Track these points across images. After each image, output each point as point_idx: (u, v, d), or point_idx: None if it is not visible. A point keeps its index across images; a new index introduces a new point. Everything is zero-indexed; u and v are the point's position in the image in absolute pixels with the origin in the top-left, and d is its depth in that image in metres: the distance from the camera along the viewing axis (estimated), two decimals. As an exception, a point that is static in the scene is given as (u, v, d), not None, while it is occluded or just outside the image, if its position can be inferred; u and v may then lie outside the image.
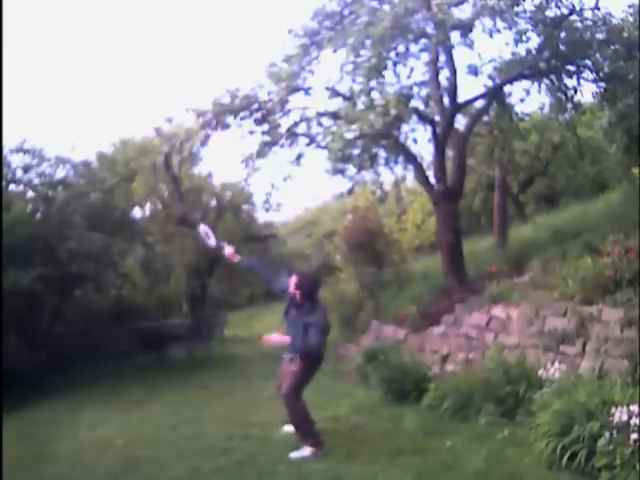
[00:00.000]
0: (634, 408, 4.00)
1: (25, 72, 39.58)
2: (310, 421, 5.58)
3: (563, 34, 10.01)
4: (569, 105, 11.50)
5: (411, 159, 11.25)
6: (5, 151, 11.72)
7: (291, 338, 5.58)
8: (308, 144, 11.05)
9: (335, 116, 10.33)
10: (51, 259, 10.91)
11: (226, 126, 11.08)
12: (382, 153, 11.04)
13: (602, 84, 10.72)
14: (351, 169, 10.26)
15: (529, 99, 11.81)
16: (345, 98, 10.36)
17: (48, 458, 5.89)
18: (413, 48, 9.97)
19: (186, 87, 41.50)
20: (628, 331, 5.80)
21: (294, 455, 5.29)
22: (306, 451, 5.33)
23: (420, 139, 17.05)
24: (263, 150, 10.88)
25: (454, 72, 10.69)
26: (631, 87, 9.73)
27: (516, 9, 9.49)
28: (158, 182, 17.83)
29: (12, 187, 12.33)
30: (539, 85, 11.20)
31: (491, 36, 9.63)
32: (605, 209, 11.04)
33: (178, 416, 7.33)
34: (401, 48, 9.67)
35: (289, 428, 5.82)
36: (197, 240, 7.44)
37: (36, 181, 12.56)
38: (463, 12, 9.51)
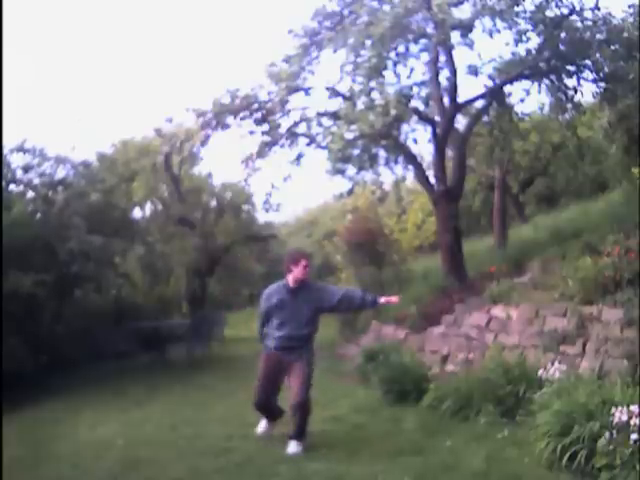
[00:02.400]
0: (634, 408, 3.99)
1: (25, 72, 39.64)
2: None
3: (563, 34, 10.02)
4: (569, 105, 11.51)
5: (411, 159, 11.26)
6: (5, 151, 11.73)
7: (292, 327, 5.47)
8: (308, 144, 11.06)
9: (335, 116, 10.33)
10: (51, 260, 10.92)
11: (226, 126, 11.08)
12: (382, 153, 11.07)
13: (602, 84, 10.72)
14: (351, 169, 10.29)
15: (529, 99, 11.85)
16: (345, 98, 10.36)
17: (48, 458, 5.88)
18: (413, 48, 10.02)
19: (186, 87, 41.62)
20: (628, 331, 5.80)
21: (292, 450, 5.32)
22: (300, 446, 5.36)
23: (420, 139, 17.13)
24: (263, 150, 10.88)
25: (454, 72, 10.69)
26: (631, 87, 9.74)
27: (516, 9, 9.50)
28: (158, 182, 17.85)
29: (12, 187, 12.34)
30: (539, 85, 11.21)
31: (491, 36, 9.65)
32: (605, 209, 11.03)
33: (178, 416, 7.33)
34: (401, 48, 9.69)
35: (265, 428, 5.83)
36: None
37: (36, 181, 12.56)
38: (463, 12, 9.54)
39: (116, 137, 18.62)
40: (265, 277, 26.36)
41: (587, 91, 17.30)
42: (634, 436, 3.84)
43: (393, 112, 8.80)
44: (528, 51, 10.31)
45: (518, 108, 12.19)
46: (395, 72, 9.69)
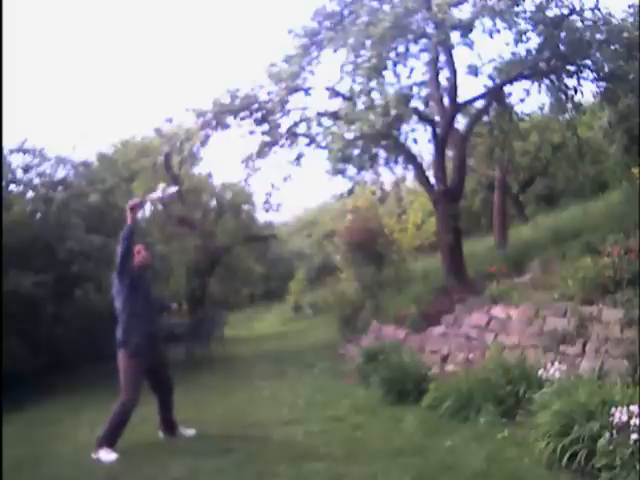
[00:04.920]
0: (634, 408, 3.99)
1: (25, 72, 39.64)
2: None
3: (563, 34, 10.02)
4: (569, 105, 11.52)
5: (411, 159, 11.26)
6: (5, 151, 11.72)
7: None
8: (308, 144, 11.07)
9: (335, 116, 10.34)
10: (51, 260, 10.91)
11: (226, 126, 11.10)
12: (382, 153, 11.07)
13: (602, 84, 10.73)
14: (351, 169, 10.28)
15: (529, 99, 11.86)
16: (345, 98, 10.37)
17: (48, 458, 5.89)
18: (413, 48, 10.01)
19: (186, 87, 41.65)
20: (628, 331, 5.79)
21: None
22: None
23: (420, 139, 17.10)
24: (263, 150, 10.90)
25: (454, 72, 10.70)
26: (631, 87, 9.74)
27: (516, 9, 9.51)
28: (158, 182, 17.82)
29: (12, 187, 12.33)
30: (539, 85, 11.22)
31: (491, 36, 9.66)
32: (605, 209, 11.02)
33: (178, 416, 7.30)
34: (401, 48, 9.70)
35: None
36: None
37: (36, 181, 12.55)
38: (463, 12, 9.56)
39: (116, 137, 18.61)
40: (265, 277, 26.39)
41: (587, 91, 17.30)
42: (634, 436, 3.84)
43: (393, 112, 8.80)
44: (528, 51, 10.31)
45: (518, 108, 12.24)
46: (395, 72, 9.72)
